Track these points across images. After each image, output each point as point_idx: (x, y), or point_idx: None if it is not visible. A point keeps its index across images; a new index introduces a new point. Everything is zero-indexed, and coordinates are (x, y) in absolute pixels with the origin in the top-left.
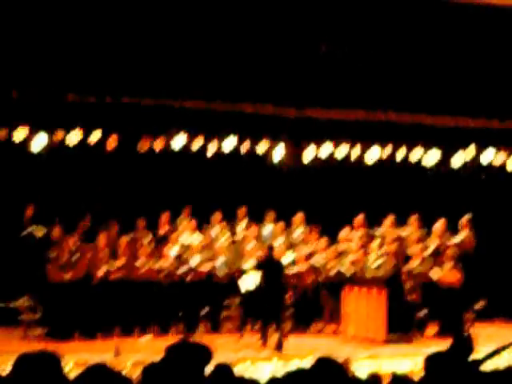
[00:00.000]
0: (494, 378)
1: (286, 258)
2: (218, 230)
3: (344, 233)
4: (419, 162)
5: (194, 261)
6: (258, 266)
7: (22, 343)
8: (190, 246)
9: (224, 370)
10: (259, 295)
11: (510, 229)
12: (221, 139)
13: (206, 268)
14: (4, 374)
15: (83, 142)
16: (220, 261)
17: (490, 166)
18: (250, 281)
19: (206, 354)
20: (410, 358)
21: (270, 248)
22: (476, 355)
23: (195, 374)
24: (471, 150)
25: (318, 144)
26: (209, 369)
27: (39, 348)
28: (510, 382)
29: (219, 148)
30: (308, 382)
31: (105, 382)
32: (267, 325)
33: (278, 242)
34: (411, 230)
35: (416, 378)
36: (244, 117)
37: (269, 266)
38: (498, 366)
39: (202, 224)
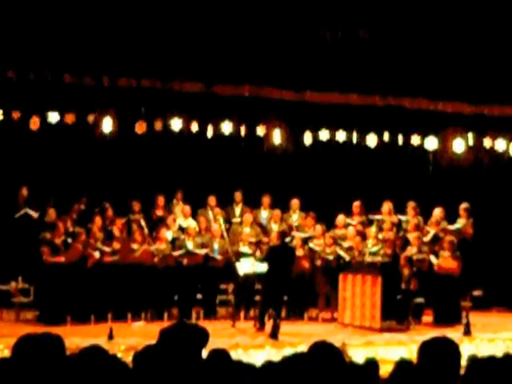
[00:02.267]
0: (490, 365)
1: None
2: (214, 213)
3: (341, 219)
4: (418, 147)
5: (190, 244)
6: (271, 252)
7: (13, 326)
8: (186, 229)
9: (220, 354)
10: (267, 280)
11: (509, 217)
12: (219, 122)
13: (202, 252)
14: None
15: (79, 124)
16: (216, 245)
17: (490, 152)
18: (247, 264)
19: (202, 336)
20: (406, 346)
21: (283, 234)
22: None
23: (191, 356)
24: (471, 136)
25: (317, 128)
26: (204, 354)
27: (31, 331)
28: (506, 370)
29: (217, 131)
30: (305, 367)
31: (99, 364)
32: (266, 311)
33: (275, 227)
34: (409, 216)
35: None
36: (243, 100)
37: (281, 252)
38: (495, 353)
39: (198, 207)
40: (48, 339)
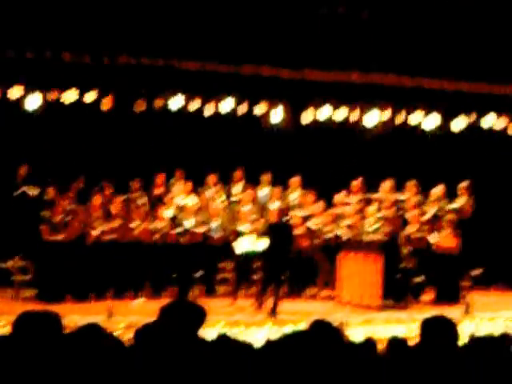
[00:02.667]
0: (488, 344)
1: None
2: (213, 191)
3: (341, 197)
4: (419, 125)
5: (189, 223)
6: (269, 229)
7: (12, 304)
8: (185, 207)
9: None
10: (266, 258)
11: (509, 196)
12: (218, 101)
13: (201, 230)
14: None
15: (79, 102)
16: (215, 223)
17: (490, 130)
18: (247, 242)
19: (199, 314)
20: (405, 324)
21: (281, 212)
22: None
23: (189, 334)
24: (471, 114)
25: (317, 106)
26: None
27: (30, 309)
28: (504, 349)
29: (216, 109)
30: (304, 345)
31: (96, 342)
32: (266, 288)
33: (274, 205)
34: (409, 195)
35: (411, 344)
36: (242, 78)
37: (279, 229)
38: (495, 332)
39: (197, 186)
40: (46, 317)
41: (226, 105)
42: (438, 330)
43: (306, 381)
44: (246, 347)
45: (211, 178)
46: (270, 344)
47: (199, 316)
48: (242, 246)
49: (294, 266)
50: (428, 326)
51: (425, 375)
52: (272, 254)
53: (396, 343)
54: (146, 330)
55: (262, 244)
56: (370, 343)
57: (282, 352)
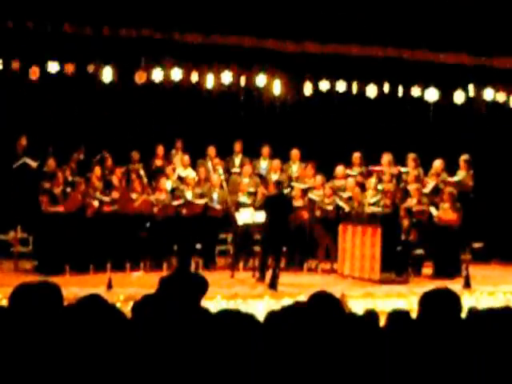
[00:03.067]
0: (489, 318)
1: None
2: (213, 163)
3: (341, 169)
4: (419, 99)
5: (189, 194)
6: (267, 202)
7: (12, 276)
8: (185, 179)
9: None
10: (265, 231)
11: (509, 169)
12: (219, 73)
13: (201, 202)
14: None
15: (79, 73)
16: (216, 195)
17: (491, 103)
18: (247, 214)
19: (201, 284)
20: (405, 298)
21: (279, 183)
22: None
23: (191, 305)
24: (471, 88)
25: (317, 79)
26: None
27: (28, 281)
28: (505, 322)
29: (217, 81)
30: (305, 316)
31: (98, 313)
32: (265, 261)
33: (274, 178)
34: (409, 168)
35: (413, 317)
36: (243, 50)
37: (279, 201)
38: (495, 306)
39: (198, 158)
40: (45, 288)
41: (226, 77)
42: (442, 303)
43: (308, 353)
44: (249, 318)
45: (211, 150)
46: (272, 315)
47: (201, 286)
48: (242, 218)
49: (294, 238)
50: (431, 298)
51: (427, 348)
52: (270, 226)
53: (398, 316)
54: (146, 301)
55: (261, 216)
56: (372, 315)
57: (284, 324)
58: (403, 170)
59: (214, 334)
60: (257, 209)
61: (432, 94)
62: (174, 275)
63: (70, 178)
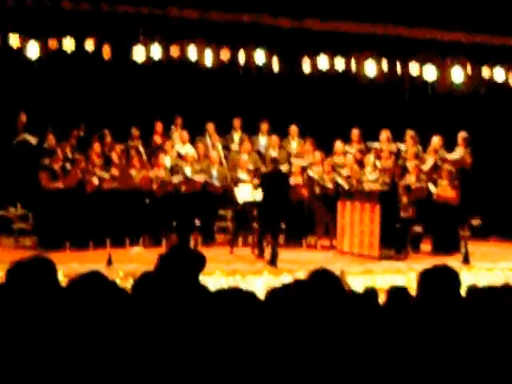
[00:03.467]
0: (488, 295)
1: None
2: (212, 140)
3: (339, 145)
4: (417, 76)
5: (189, 171)
6: (263, 179)
7: (12, 252)
8: (184, 155)
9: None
10: (262, 207)
11: (508, 146)
12: (217, 49)
13: (200, 178)
14: None
15: (78, 50)
16: (215, 171)
17: (489, 81)
18: (246, 191)
19: (199, 260)
20: (404, 274)
21: (274, 160)
22: None
23: (190, 280)
24: (470, 65)
25: (315, 56)
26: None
27: (21, 258)
28: (505, 299)
29: (216, 58)
30: (304, 294)
31: (99, 290)
32: (263, 238)
33: (273, 154)
34: (408, 145)
35: (412, 294)
36: (241, 27)
37: (274, 178)
38: (494, 283)
39: (197, 134)
40: (39, 263)
41: (225, 53)
42: (441, 280)
43: (307, 330)
44: (250, 295)
45: (210, 127)
46: (272, 293)
47: (198, 262)
48: (242, 194)
49: (294, 215)
50: (430, 275)
51: (426, 325)
52: (266, 203)
53: (397, 293)
54: (145, 278)
55: (260, 193)
56: (371, 293)
57: (284, 301)
58: (402, 146)
59: (214, 311)
60: (256, 187)
61: (430, 72)
62: (171, 252)
63: (69, 155)
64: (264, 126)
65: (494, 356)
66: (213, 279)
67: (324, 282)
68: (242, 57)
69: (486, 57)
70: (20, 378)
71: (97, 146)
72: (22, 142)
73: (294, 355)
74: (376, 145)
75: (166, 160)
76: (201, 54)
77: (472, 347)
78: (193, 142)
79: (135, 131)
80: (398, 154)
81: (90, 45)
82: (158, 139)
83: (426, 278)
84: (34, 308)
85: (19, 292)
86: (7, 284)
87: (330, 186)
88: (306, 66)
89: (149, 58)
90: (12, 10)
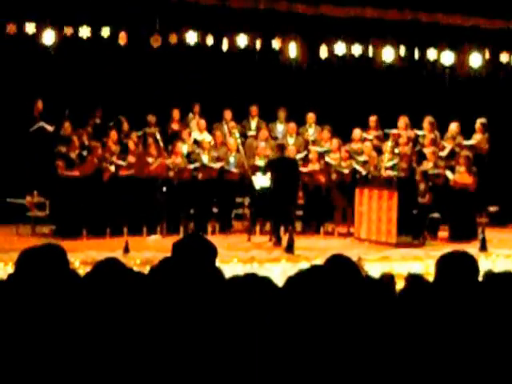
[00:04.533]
0: (506, 280)
1: (298, 157)
2: (229, 127)
3: (357, 133)
4: (435, 62)
5: (206, 158)
6: (270, 165)
7: (29, 240)
8: (201, 142)
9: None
10: (271, 195)
11: None
12: (234, 36)
13: (217, 166)
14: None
15: (94, 37)
16: (232, 158)
17: (507, 67)
18: (264, 178)
19: (209, 248)
20: (422, 261)
21: (281, 146)
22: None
23: (206, 268)
24: (488, 50)
25: (333, 42)
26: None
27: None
28: None
29: (232, 45)
30: (321, 279)
31: (117, 276)
32: (279, 225)
33: (290, 141)
34: (425, 131)
35: (429, 280)
36: (258, 13)
37: (281, 164)
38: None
39: (214, 121)
40: (49, 251)
41: (242, 40)
42: (459, 266)
43: (325, 317)
44: (267, 282)
45: (227, 114)
46: (290, 280)
47: (211, 250)
48: (260, 182)
49: (311, 202)
50: (448, 261)
51: (444, 311)
52: (275, 189)
53: (415, 279)
54: (163, 265)
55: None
56: (389, 278)
57: (301, 287)
58: (419, 133)
59: (232, 297)
60: (263, 173)
61: (448, 57)
62: (186, 239)
63: (86, 142)
64: (282, 114)
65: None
66: (230, 267)
67: (341, 267)
68: (258, 43)
69: (504, 42)
70: (35, 365)
71: (113, 134)
72: (38, 130)
73: (311, 341)
74: (394, 131)
75: (184, 148)
76: (218, 40)
77: (489, 332)
78: (210, 129)
79: (152, 118)
80: (415, 141)
81: (106, 31)
82: (175, 126)
83: (444, 263)
84: (45, 296)
85: (30, 280)
86: (17, 272)
87: (347, 172)
88: (324, 53)
89: (166, 45)
90: None
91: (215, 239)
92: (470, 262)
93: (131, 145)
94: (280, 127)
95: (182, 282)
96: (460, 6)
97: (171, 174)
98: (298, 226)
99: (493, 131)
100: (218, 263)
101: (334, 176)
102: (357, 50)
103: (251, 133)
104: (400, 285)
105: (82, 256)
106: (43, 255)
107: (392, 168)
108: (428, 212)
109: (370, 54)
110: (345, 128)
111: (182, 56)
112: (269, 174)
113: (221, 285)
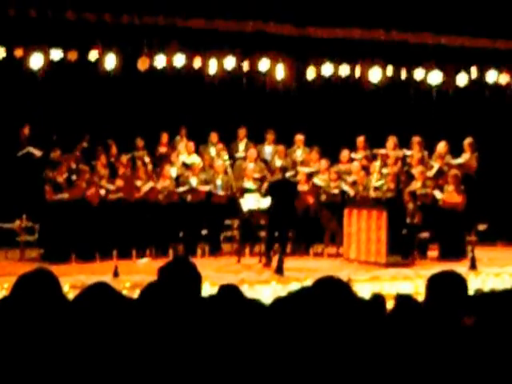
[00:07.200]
0: (495, 299)
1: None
2: (217, 149)
3: (345, 153)
4: (422, 82)
5: (194, 181)
6: (271, 187)
7: (18, 265)
8: (190, 165)
9: (230, 290)
10: (271, 216)
11: None
12: (221, 58)
13: (205, 188)
14: (1, 295)
15: (82, 61)
16: (220, 181)
17: (494, 86)
18: (252, 200)
19: (194, 273)
20: (412, 281)
21: (283, 169)
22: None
23: (193, 291)
24: (474, 70)
25: (320, 63)
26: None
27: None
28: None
29: (220, 67)
30: (311, 301)
31: (106, 301)
32: (271, 246)
33: (278, 163)
34: (413, 151)
35: (419, 300)
36: (245, 35)
37: (282, 186)
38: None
39: (201, 144)
40: (41, 276)
41: (229, 62)
42: (448, 285)
43: (314, 337)
44: (254, 304)
45: (214, 136)
46: (278, 301)
47: (195, 275)
48: (247, 204)
49: (300, 223)
50: (438, 281)
51: (434, 331)
52: (275, 211)
53: (405, 299)
54: (150, 289)
55: (267, 202)
56: (379, 299)
57: (290, 309)
58: (407, 153)
59: (218, 319)
60: (264, 195)
61: (435, 77)
62: (171, 263)
63: (74, 166)
64: (270, 136)
65: (503, 361)
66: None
67: (330, 288)
68: (246, 65)
69: (490, 61)
70: None
71: (102, 157)
72: (26, 155)
73: (300, 361)
74: (382, 151)
75: (172, 170)
76: (205, 62)
77: (479, 352)
78: (197, 151)
79: (140, 142)
80: (403, 160)
81: (93, 55)
82: (163, 149)
83: (433, 283)
84: (39, 320)
85: (23, 305)
86: (11, 297)
87: (336, 193)
88: (311, 74)
89: (153, 68)
90: (15, 20)
91: (205, 262)
92: (459, 282)
93: (120, 168)
94: (268, 149)
95: (167, 307)
96: (446, 25)
97: (160, 197)
98: (288, 246)
99: (480, 150)
100: (208, 286)
101: (322, 197)
102: (344, 70)
103: (239, 155)
104: (390, 305)
105: (72, 280)
106: (36, 280)
107: (380, 188)
108: (417, 232)
109: (358, 74)
110: (333, 149)
111: (169, 78)
112: (258, 196)
113: (205, 309)
